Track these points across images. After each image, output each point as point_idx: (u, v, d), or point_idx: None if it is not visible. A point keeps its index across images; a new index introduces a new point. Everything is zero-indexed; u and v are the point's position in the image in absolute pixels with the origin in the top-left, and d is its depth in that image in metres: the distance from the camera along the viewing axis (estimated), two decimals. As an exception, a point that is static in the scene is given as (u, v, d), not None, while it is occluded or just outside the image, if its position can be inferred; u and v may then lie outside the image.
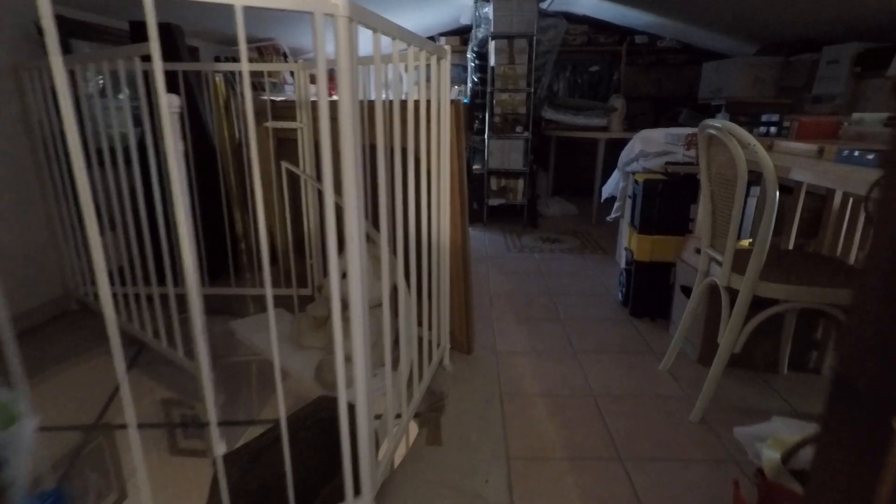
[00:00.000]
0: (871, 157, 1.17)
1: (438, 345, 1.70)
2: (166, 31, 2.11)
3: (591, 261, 2.99)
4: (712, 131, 1.39)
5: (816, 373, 1.72)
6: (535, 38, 3.44)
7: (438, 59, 1.44)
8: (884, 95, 2.87)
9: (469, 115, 3.94)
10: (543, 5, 4.67)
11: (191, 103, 2.20)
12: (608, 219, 2.79)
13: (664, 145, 2.20)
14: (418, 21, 4.48)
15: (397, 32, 1.05)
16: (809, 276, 1.31)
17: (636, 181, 2.13)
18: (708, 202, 1.50)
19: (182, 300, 1.42)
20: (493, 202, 3.73)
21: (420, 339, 1.59)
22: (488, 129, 3.60)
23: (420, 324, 1.57)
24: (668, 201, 2.02)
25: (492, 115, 3.57)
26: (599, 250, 3.20)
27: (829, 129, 1.69)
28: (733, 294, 1.40)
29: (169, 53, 2.09)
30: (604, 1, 4.56)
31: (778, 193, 1.22)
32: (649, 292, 2.14)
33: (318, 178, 2.02)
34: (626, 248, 2.31)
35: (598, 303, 2.34)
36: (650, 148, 2.23)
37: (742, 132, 1.26)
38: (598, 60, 5.30)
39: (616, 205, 2.72)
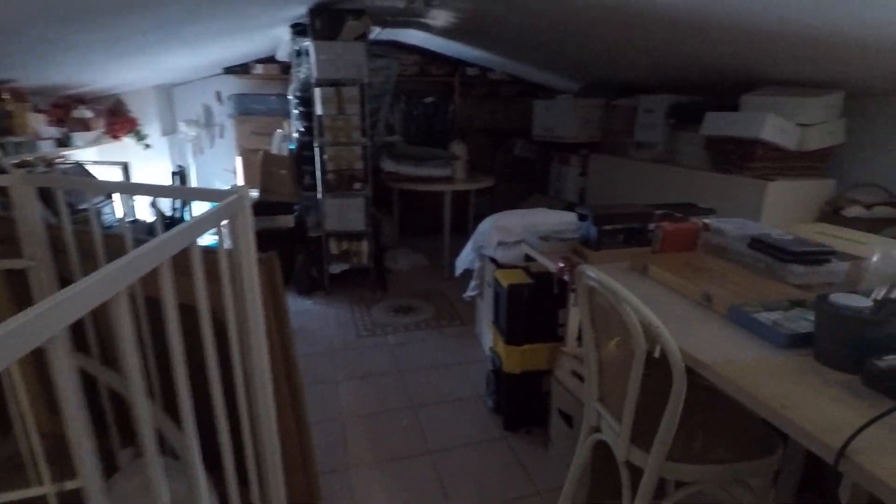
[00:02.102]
0: (783, 331, 1.00)
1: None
2: None
3: (450, 338, 2.71)
4: (594, 285, 1.13)
5: None
6: (365, 84, 3.04)
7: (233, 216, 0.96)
8: (697, 148, 3.06)
9: (297, 168, 3.41)
10: (373, 35, 4.31)
11: None
12: (465, 297, 2.53)
13: (522, 232, 1.97)
14: (227, 50, 3.80)
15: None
16: (730, 448, 1.12)
17: (499, 282, 1.86)
18: (592, 351, 1.26)
19: None
20: (336, 268, 3.26)
21: None
22: (321, 187, 3.12)
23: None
24: (537, 307, 1.78)
25: (324, 171, 3.09)
26: (457, 320, 2.94)
27: (690, 236, 1.58)
28: (634, 467, 1.16)
29: None
30: (431, 35, 4.35)
31: (686, 382, 0.99)
32: (523, 403, 1.90)
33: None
34: (491, 349, 2.05)
35: (468, 412, 2.04)
36: (509, 237, 1.99)
37: (640, 306, 1.01)
38: (432, 91, 5.11)
39: (472, 283, 2.46)
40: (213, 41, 3.22)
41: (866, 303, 0.89)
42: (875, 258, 1.22)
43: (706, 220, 1.78)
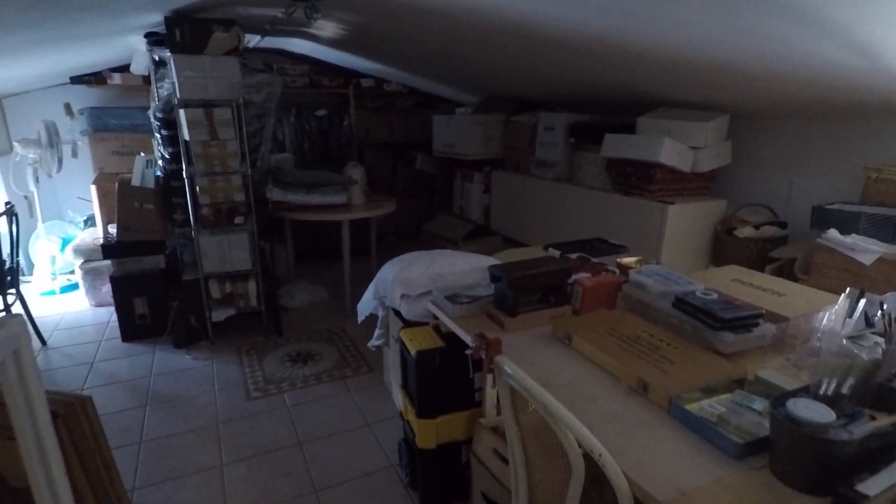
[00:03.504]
0: (734, 439, 0.86)
1: None
2: None
3: (357, 391, 2.42)
4: (517, 388, 0.93)
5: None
6: (242, 104, 2.66)
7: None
8: (598, 169, 3.04)
9: (165, 200, 2.93)
10: (253, 43, 3.88)
11: None
12: (370, 346, 2.26)
13: (428, 283, 1.75)
14: (71, 58, 3.19)
15: None
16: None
17: (406, 347, 1.63)
18: (520, 456, 1.06)
19: None
20: (219, 315, 2.83)
21: None
22: (195, 223, 2.69)
23: None
24: (451, 373, 1.57)
25: (197, 205, 2.66)
26: (363, 366, 2.66)
27: (610, 290, 1.45)
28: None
29: None
30: (321, 45, 4.01)
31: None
32: (442, 480, 1.68)
33: None
34: (402, 416, 1.81)
35: (380, 491, 1.78)
36: (413, 290, 1.76)
37: (578, 429, 0.82)
38: (325, 103, 4.75)
39: (377, 332, 2.20)
40: (50, 49, 2.65)
41: (828, 416, 0.77)
42: (820, 342, 1.14)
43: (625, 262, 1.68)
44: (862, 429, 0.79)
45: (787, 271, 2.45)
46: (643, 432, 0.94)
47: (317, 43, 3.98)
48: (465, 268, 1.81)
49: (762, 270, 2.52)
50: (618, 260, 1.79)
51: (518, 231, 3.76)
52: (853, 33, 1.48)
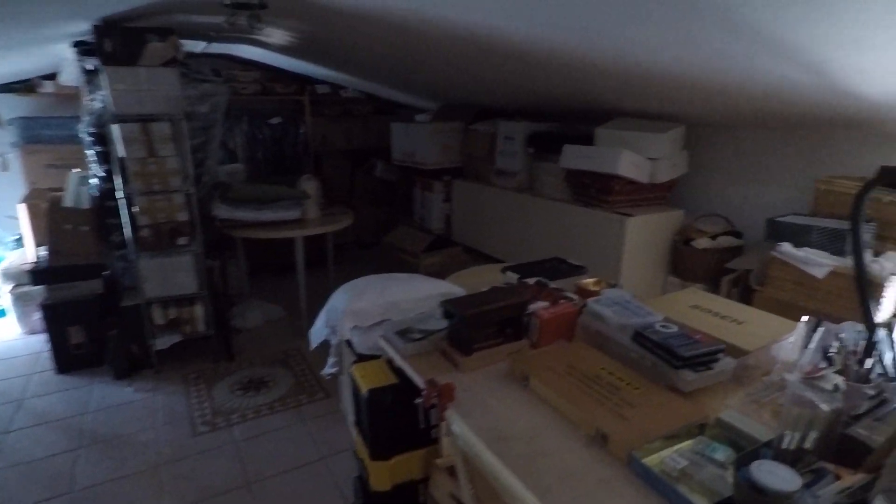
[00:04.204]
0: (697, 502, 0.81)
1: None
2: None
3: (312, 420, 2.31)
4: (466, 451, 0.86)
5: None
6: (182, 118, 2.50)
7: None
8: (558, 180, 3.01)
9: (99, 220, 2.73)
10: (199, 49, 3.69)
11: None
12: (323, 374, 2.15)
13: (380, 313, 1.66)
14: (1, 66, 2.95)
15: None
16: None
17: (358, 384, 1.53)
18: (474, 516, 0.99)
19: None
20: (164, 342, 2.66)
21: None
22: (135, 245, 2.51)
23: None
24: (405, 411, 1.48)
25: (136, 226, 2.49)
26: (320, 391, 2.54)
27: (568, 321, 1.39)
28: None
29: None
30: (273, 52, 3.85)
31: None
32: (397, 520, 1.59)
33: None
34: (355, 454, 1.71)
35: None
36: (365, 321, 1.66)
37: (524, 495, 0.74)
38: (278, 111, 4.58)
39: (330, 360, 2.09)
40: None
41: (793, 482, 0.72)
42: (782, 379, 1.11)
43: (584, 285, 1.63)
44: (827, 490, 0.75)
45: (744, 282, 2.47)
46: (603, 494, 0.88)
47: (268, 49, 3.82)
48: (421, 294, 1.73)
49: (720, 281, 2.54)
50: (576, 283, 1.74)
51: (480, 241, 3.70)
52: (804, 53, 1.47)
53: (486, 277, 1.92)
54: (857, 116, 1.96)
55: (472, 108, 3.94)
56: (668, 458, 0.92)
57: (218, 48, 4.00)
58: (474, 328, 1.26)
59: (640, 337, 1.20)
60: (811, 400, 0.82)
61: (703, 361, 1.12)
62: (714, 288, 2.57)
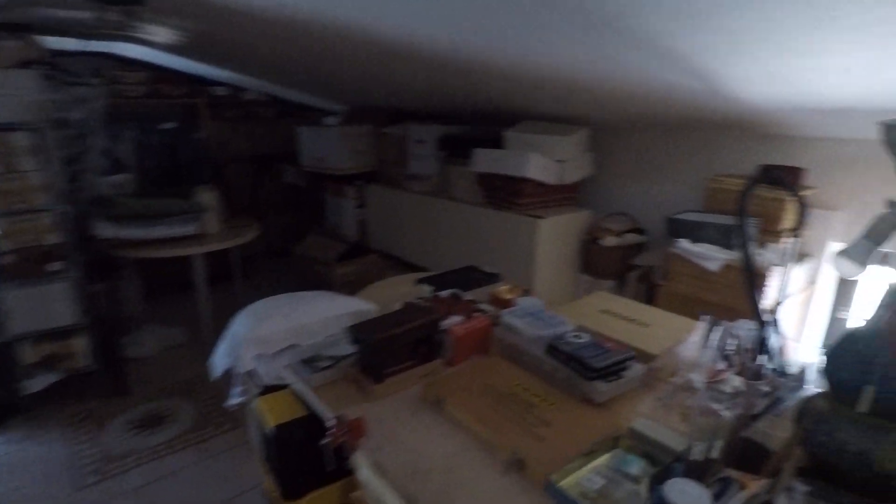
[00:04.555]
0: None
1: None
2: None
3: (219, 456, 2.12)
4: (374, 498, 0.78)
5: None
6: (47, 126, 2.19)
7: None
8: (470, 183, 3.00)
9: (-50, 247, 2.34)
10: (73, 46, 3.28)
11: None
12: (227, 406, 1.97)
13: (287, 338, 1.54)
14: None
15: None
16: None
17: (263, 419, 1.40)
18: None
19: None
20: (37, 383, 2.33)
21: None
22: (-6, 275, 2.18)
23: None
24: (317, 444, 1.37)
25: (-6, 252, 2.15)
26: (227, 422, 2.35)
27: (482, 335, 1.36)
28: None
29: None
30: (161, 51, 3.53)
31: None
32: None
33: None
34: (266, 495, 1.57)
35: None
36: (269, 348, 1.53)
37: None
38: (171, 115, 4.21)
39: (236, 389, 1.92)
40: None
41: (704, 500, 0.72)
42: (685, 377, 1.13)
43: (498, 294, 1.61)
44: (734, 500, 0.75)
45: (648, 277, 2.59)
46: (521, 526, 0.84)
47: (155, 48, 3.49)
48: (330, 314, 1.62)
49: (626, 277, 2.64)
50: (491, 292, 1.72)
51: (396, 247, 3.62)
52: (691, 61, 1.54)
53: (400, 290, 1.85)
54: (741, 119, 2.11)
55: (383, 111, 3.85)
56: (584, 478, 0.90)
57: (98, 46, 3.60)
58: (384, 353, 1.18)
59: (553, 349, 1.19)
60: (714, 408, 0.83)
61: (614, 371, 1.12)
62: (622, 283, 2.68)
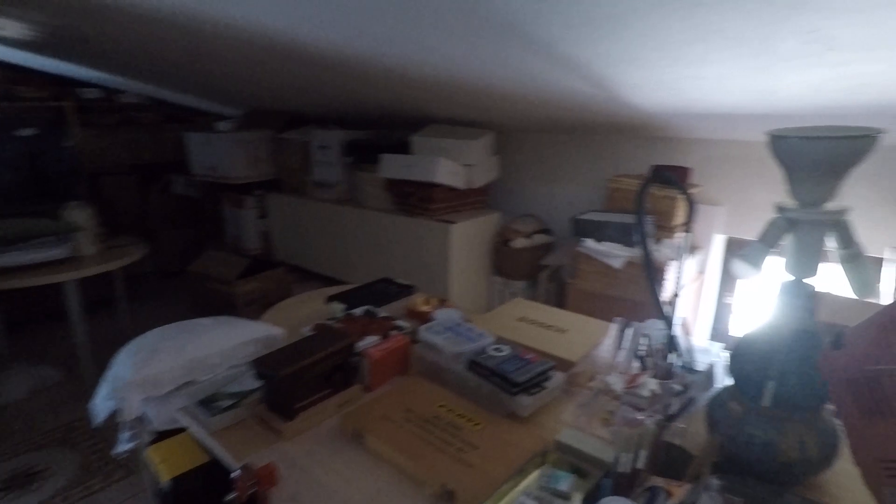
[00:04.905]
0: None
1: None
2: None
3: (108, 509, 1.86)
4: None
5: None
6: None
7: None
8: (379, 190, 2.92)
9: None
10: None
11: None
12: (115, 454, 1.74)
13: (181, 375, 1.37)
14: None
15: None
16: None
17: (157, 472, 1.23)
18: None
19: None
20: None
21: None
22: None
23: None
24: (221, 494, 1.23)
25: None
26: (118, 471, 2.08)
27: (401, 355, 1.29)
28: None
29: None
30: (16, 49, 3.07)
31: None
32: None
33: None
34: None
35: None
36: (159, 390, 1.35)
37: None
38: (31, 121, 3.69)
39: (124, 435, 1.69)
40: None
41: (636, 519, 0.71)
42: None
43: (414, 307, 1.55)
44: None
45: (558, 276, 2.66)
46: (455, 566, 0.79)
47: (4, 45, 3.03)
48: (231, 343, 1.47)
49: (538, 277, 2.71)
50: (406, 306, 1.66)
51: (304, 259, 3.45)
52: (589, 68, 1.58)
53: (309, 308, 1.73)
54: (634, 123, 2.23)
55: (282, 115, 3.65)
56: (516, 503, 0.87)
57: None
58: (294, 388, 1.08)
59: (475, 365, 1.15)
60: (637, 418, 0.83)
61: (536, 382, 1.11)
62: (534, 283, 2.74)
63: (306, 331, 1.41)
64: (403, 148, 2.76)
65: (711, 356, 1.22)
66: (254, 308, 3.16)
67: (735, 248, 2.50)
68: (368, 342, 1.30)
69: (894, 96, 1.47)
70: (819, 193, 0.84)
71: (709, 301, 2.58)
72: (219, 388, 1.23)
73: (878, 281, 0.79)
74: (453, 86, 2.04)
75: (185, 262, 3.76)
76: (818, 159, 0.80)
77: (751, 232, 2.36)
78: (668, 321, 1.22)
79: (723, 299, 2.59)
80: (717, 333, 2.61)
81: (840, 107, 1.64)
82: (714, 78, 1.51)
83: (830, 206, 0.84)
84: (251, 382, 1.21)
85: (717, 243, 2.44)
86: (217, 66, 2.52)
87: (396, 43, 1.60)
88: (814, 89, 1.52)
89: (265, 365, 1.08)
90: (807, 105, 1.65)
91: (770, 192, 2.23)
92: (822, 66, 1.33)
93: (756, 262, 0.85)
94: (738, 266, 0.86)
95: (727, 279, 2.56)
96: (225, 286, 3.12)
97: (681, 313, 2.27)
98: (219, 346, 1.44)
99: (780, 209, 0.87)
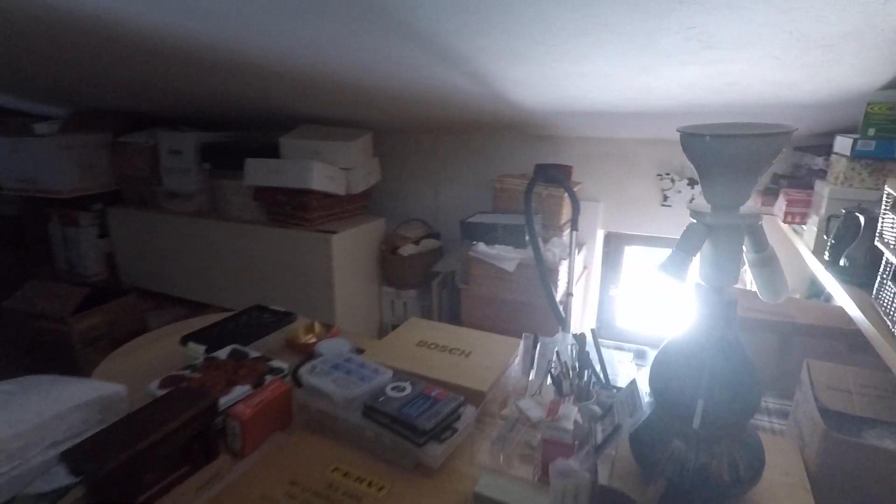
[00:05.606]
0: None
1: None
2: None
3: None
4: None
5: None
6: None
7: None
8: (246, 199, 2.57)
9: None
10: None
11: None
12: None
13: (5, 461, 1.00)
14: None
15: None
16: None
17: None
18: None
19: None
20: None
21: None
22: None
23: None
24: None
25: None
26: None
27: (280, 405, 1.06)
28: None
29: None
30: None
31: None
32: None
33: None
34: None
35: None
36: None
37: None
38: None
39: None
40: None
41: None
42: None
43: (294, 338, 1.31)
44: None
45: (450, 282, 2.55)
46: None
47: None
48: (51, 412, 1.12)
49: (430, 284, 2.57)
50: (285, 337, 1.42)
51: (160, 282, 2.97)
52: (471, 63, 1.46)
53: (163, 349, 1.40)
54: (517, 121, 2.17)
55: (119, 115, 3.10)
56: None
57: None
58: (130, 481, 0.80)
59: (371, 411, 0.97)
60: (569, 465, 0.71)
61: (446, 425, 0.95)
62: (426, 291, 2.60)
63: (154, 387, 1.11)
64: (271, 151, 2.45)
65: (626, 366, 1.17)
66: (98, 347, 2.64)
67: (618, 243, 2.58)
68: (236, 395, 1.05)
69: (754, 96, 1.55)
70: (733, 195, 0.78)
71: (594, 294, 2.64)
72: (20, 490, 0.90)
73: (787, 283, 0.75)
74: (322, 81, 1.81)
75: (2, 297, 3.05)
76: (734, 158, 0.74)
77: (627, 226, 2.45)
78: (563, 323, 1.14)
79: (607, 292, 2.68)
80: (604, 325, 2.69)
81: (704, 105, 1.70)
82: (597, 75, 1.47)
83: (745, 209, 0.79)
84: (69, 477, 0.90)
85: (599, 238, 2.50)
86: (28, 58, 2.01)
87: (255, 28, 1.35)
88: (685, 87, 1.55)
89: (85, 454, 0.79)
90: (678, 104, 1.69)
91: (644, 187, 2.32)
92: (697, 64, 1.34)
93: (679, 272, 0.77)
94: (662, 277, 0.78)
95: (610, 272, 2.64)
96: (56, 324, 2.56)
97: (575, 310, 2.27)
98: (25, 421, 1.09)
99: (696, 214, 0.80)
